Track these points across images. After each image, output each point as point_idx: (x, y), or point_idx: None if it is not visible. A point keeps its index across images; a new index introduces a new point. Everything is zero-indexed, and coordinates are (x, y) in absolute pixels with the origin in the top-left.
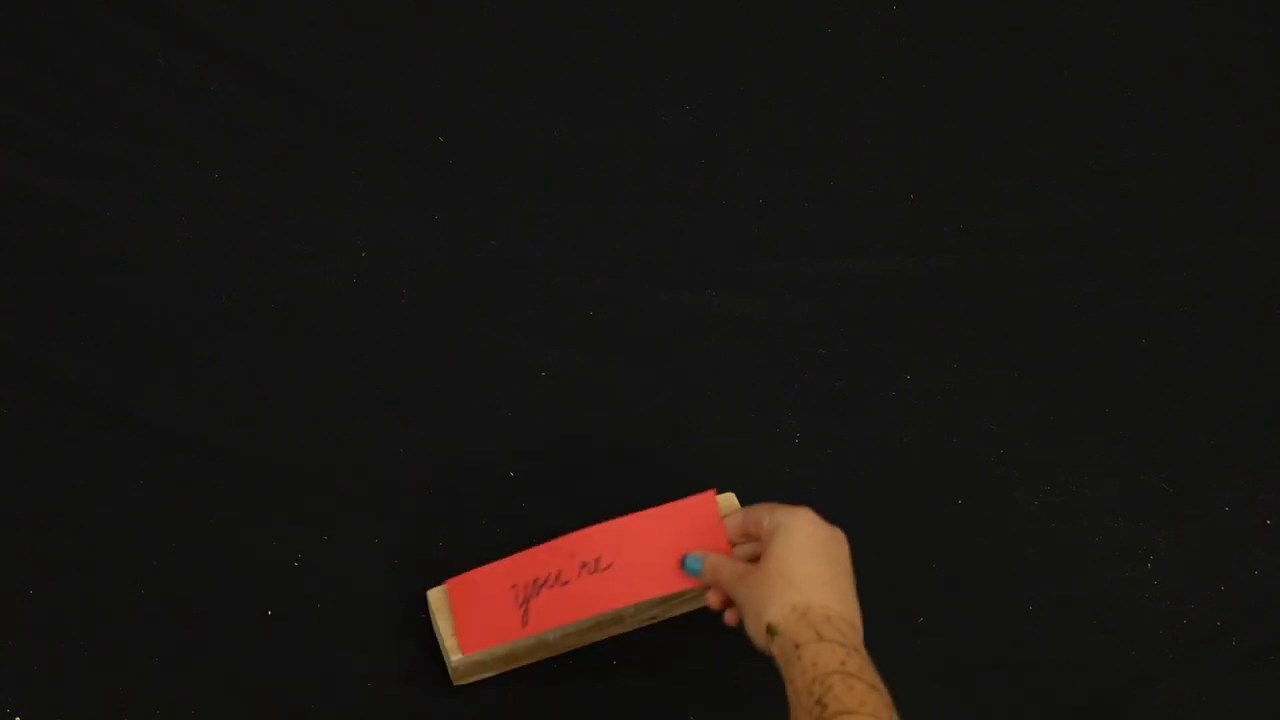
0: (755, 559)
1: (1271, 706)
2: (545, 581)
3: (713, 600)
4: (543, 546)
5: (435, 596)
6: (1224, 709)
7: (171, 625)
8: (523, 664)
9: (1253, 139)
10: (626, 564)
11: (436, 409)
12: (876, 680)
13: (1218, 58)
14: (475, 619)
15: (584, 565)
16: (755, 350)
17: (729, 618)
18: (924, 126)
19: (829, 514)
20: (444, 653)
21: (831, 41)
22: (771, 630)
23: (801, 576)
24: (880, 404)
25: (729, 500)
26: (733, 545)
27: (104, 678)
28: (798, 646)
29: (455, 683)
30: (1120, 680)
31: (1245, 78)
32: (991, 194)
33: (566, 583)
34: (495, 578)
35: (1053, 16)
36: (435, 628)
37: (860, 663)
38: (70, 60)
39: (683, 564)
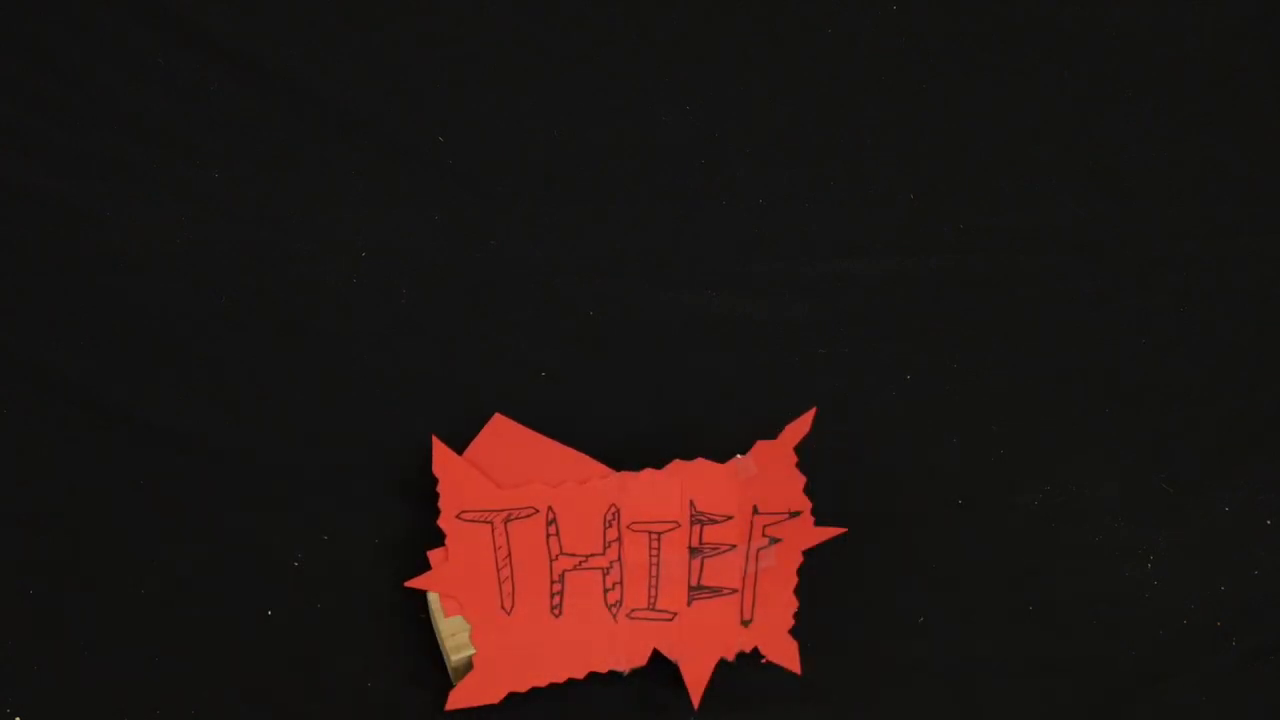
0: None
1: (1272, 706)
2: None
3: None
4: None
5: (435, 597)
6: (1224, 709)
7: (172, 625)
8: None
9: (1253, 139)
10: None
11: (436, 409)
12: None
13: (1218, 58)
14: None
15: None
16: (755, 350)
17: None
18: (924, 126)
19: (828, 514)
20: (444, 653)
21: (831, 41)
22: None
23: None
24: (880, 404)
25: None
26: None
27: (104, 678)
28: None
29: (455, 682)
30: (1120, 680)
31: (1245, 78)
32: (991, 194)
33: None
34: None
35: (1053, 16)
36: (435, 628)
37: None
38: (70, 60)
39: None
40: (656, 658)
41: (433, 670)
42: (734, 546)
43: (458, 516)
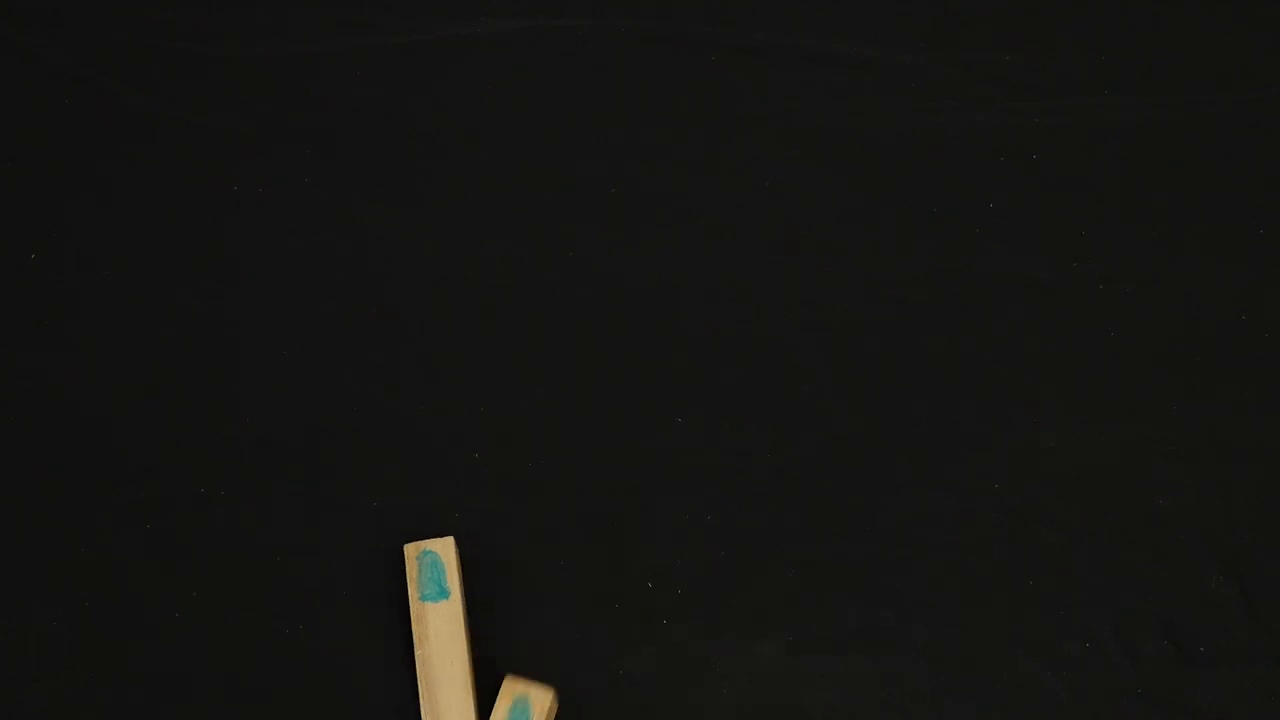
0: None
1: (1273, 706)
2: None
3: None
4: None
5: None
6: (1228, 709)
7: (170, 627)
8: None
9: (1251, 138)
10: None
11: (437, 409)
12: None
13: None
14: None
15: None
16: (753, 358)
17: None
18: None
19: (826, 520)
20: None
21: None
22: None
23: None
24: (879, 407)
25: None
26: None
27: (103, 680)
28: None
29: None
30: (1120, 679)
31: (1244, 72)
32: (990, 195)
33: None
34: None
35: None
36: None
37: None
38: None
39: None
40: None
41: None
42: None
43: None
